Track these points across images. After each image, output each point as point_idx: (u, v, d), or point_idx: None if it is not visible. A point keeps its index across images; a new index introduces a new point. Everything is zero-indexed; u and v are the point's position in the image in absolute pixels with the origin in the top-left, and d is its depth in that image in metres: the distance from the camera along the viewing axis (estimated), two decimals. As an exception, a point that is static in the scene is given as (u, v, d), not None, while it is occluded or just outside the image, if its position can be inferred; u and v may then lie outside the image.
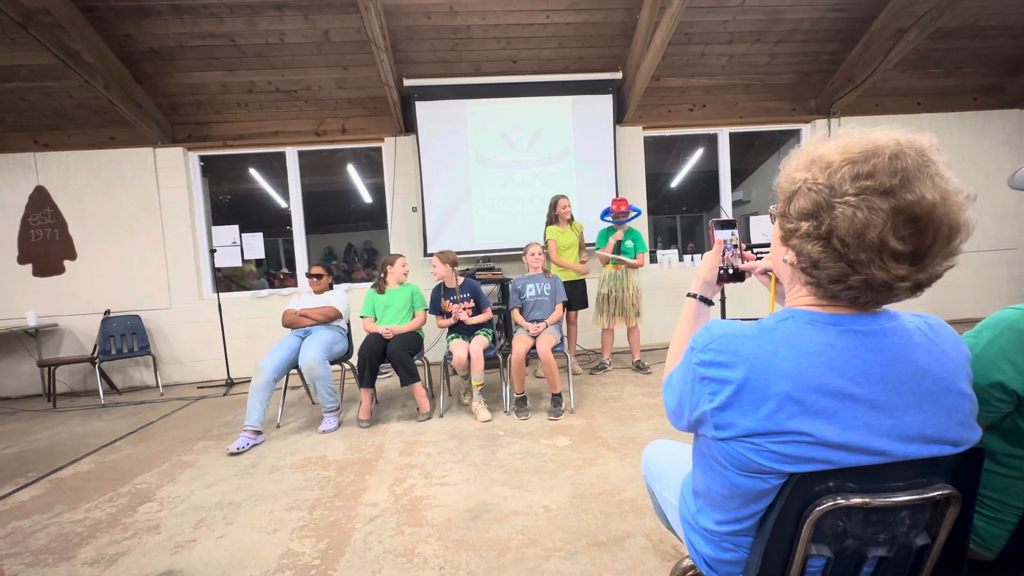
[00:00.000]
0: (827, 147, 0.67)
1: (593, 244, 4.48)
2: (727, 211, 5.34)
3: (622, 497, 2.09)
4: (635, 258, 4.04)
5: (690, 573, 1.04)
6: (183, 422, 3.64)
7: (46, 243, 4.77)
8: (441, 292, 3.55)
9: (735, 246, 1.01)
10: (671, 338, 4.19)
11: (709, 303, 1.01)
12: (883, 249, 0.61)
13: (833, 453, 0.65)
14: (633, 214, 4.06)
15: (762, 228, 4.92)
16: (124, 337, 4.68)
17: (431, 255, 4.89)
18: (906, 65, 5.04)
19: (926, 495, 0.67)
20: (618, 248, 4.08)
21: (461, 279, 3.58)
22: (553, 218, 4.13)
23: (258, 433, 3.03)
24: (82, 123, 4.70)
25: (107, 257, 4.82)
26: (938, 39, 4.82)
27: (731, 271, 1.00)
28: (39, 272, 4.79)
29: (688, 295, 1.03)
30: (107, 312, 4.74)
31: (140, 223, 4.83)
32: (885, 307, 0.72)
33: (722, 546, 0.81)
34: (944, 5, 4.18)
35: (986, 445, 0.85)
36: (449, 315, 3.45)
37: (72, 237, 4.78)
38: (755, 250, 3.97)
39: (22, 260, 4.77)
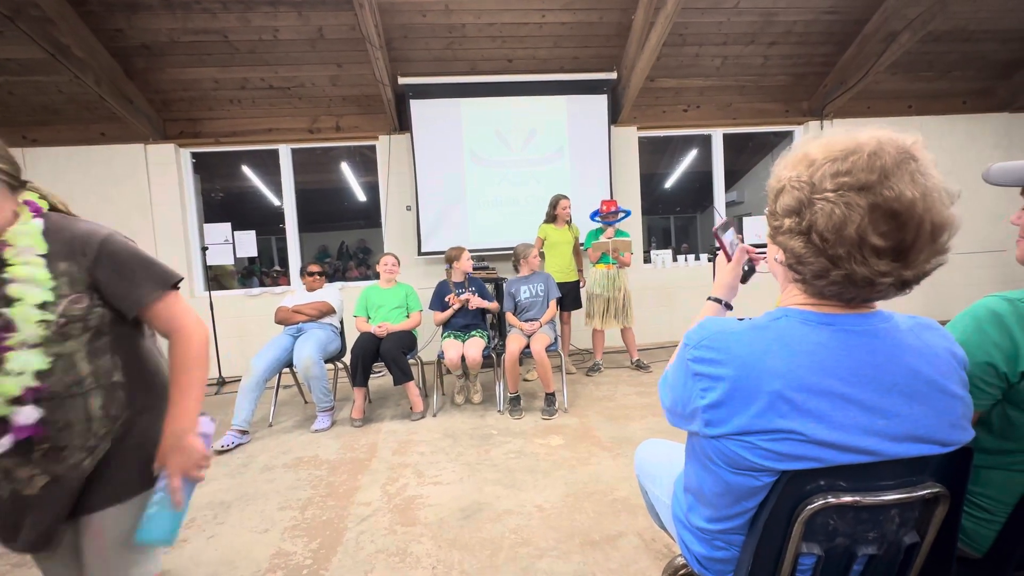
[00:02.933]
0: (813, 146, 0.69)
1: (582, 245, 4.47)
2: (720, 212, 5.36)
3: (615, 496, 2.09)
4: (623, 255, 4.04)
5: (682, 571, 1.05)
6: (174, 421, 3.60)
7: (34, 240, 4.70)
8: (450, 286, 3.57)
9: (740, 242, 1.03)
10: (665, 337, 4.18)
11: (730, 308, 1.01)
12: (863, 244, 0.62)
13: (824, 451, 0.65)
14: (622, 215, 4.07)
15: (756, 229, 4.95)
16: (114, 335, 4.62)
17: (425, 254, 4.90)
18: (898, 68, 5.08)
19: (916, 494, 0.68)
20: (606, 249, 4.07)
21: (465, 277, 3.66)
22: (552, 217, 4.13)
23: (244, 433, 3.01)
24: (72, 119, 4.64)
25: None
26: (929, 43, 4.86)
27: (746, 267, 1.01)
28: (27, 269, 4.72)
29: (709, 299, 1.01)
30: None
31: (131, 220, 4.77)
32: (879, 308, 0.72)
33: (714, 544, 0.81)
34: (935, 9, 4.22)
35: (977, 442, 0.86)
36: (447, 307, 3.50)
37: (61, 234, 4.72)
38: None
39: (10, 257, 4.69)
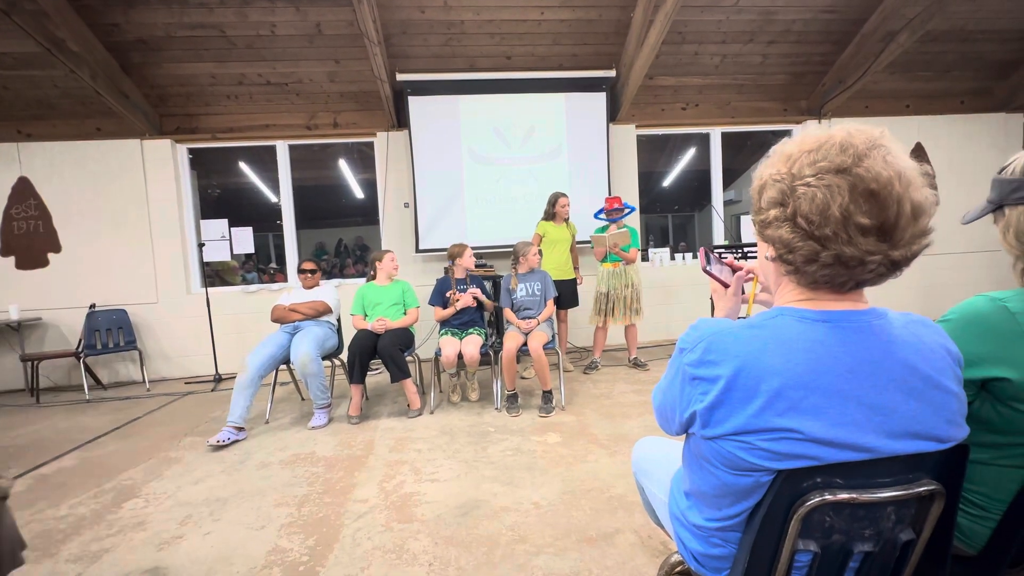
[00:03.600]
0: (788, 145, 0.72)
1: (588, 243, 4.48)
2: (718, 210, 5.37)
3: (612, 494, 2.10)
4: (627, 251, 4.04)
5: (678, 568, 1.05)
6: (170, 418, 3.60)
7: (29, 235, 4.68)
8: (451, 283, 3.58)
9: (722, 257, 1.03)
10: (663, 336, 4.19)
11: None
12: (848, 223, 0.64)
13: (822, 449, 0.65)
14: (627, 211, 4.07)
15: (752, 227, 4.96)
16: (110, 331, 4.60)
17: (423, 252, 4.89)
18: (896, 68, 5.09)
19: (911, 491, 0.68)
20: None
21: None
22: (551, 215, 4.13)
23: (240, 429, 3.00)
24: (67, 113, 4.61)
25: (93, 250, 4.74)
26: (927, 42, 4.87)
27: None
28: (22, 265, 4.70)
29: None
30: (92, 306, 4.66)
31: (127, 216, 4.75)
32: (873, 305, 0.72)
33: (711, 542, 0.81)
34: (934, 9, 4.22)
35: (973, 438, 0.86)
36: (448, 302, 3.51)
37: (56, 229, 4.70)
38: (745, 249, 3.99)
39: (4, 252, 4.67)
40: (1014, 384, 0.80)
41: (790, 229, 0.68)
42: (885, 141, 0.66)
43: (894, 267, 0.67)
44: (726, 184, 5.68)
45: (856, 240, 0.64)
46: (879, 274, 0.67)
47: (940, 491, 0.69)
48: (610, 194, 4.97)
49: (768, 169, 0.73)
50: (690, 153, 8.03)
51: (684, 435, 0.82)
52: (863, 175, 0.63)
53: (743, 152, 7.23)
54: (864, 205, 0.63)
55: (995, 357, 0.80)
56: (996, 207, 0.92)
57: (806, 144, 0.69)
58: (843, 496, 0.66)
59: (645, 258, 5.55)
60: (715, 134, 5.49)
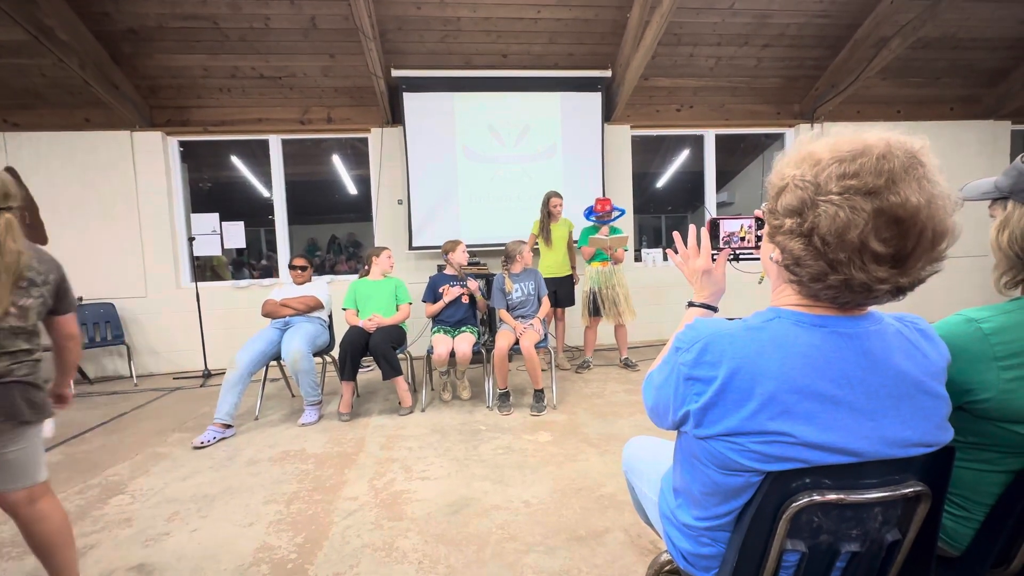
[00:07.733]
0: (819, 144, 0.67)
1: (576, 242, 4.48)
2: (711, 212, 5.40)
3: (602, 493, 2.11)
4: (616, 251, 4.04)
5: (667, 567, 1.06)
6: (158, 413, 3.56)
7: (15, 227, 4.60)
8: (441, 279, 3.59)
9: (741, 239, 1.00)
10: (654, 336, 4.20)
11: (715, 310, 0.99)
12: (863, 250, 0.61)
13: (812, 453, 0.66)
14: (616, 214, 4.07)
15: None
16: (97, 326, 4.54)
17: (416, 249, 4.88)
18: (888, 73, 5.14)
19: (898, 492, 0.68)
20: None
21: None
22: (546, 215, 4.12)
23: (227, 427, 2.96)
24: (55, 103, 4.53)
25: (80, 243, 4.66)
26: (919, 49, 4.93)
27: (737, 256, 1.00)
28: (7, 256, 4.61)
29: (692, 304, 0.99)
30: (79, 299, 4.59)
31: (116, 209, 4.68)
32: (870, 310, 0.72)
33: (700, 541, 0.82)
34: (926, 16, 4.27)
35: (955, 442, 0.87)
36: (440, 298, 3.52)
37: (43, 222, 4.62)
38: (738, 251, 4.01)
39: (-11, 244, 4.59)
40: (987, 406, 0.81)
41: (803, 245, 0.66)
42: (924, 157, 0.63)
43: (899, 292, 0.65)
44: (719, 186, 5.71)
45: (869, 267, 0.62)
46: (883, 299, 0.67)
47: (926, 492, 0.70)
48: (604, 194, 4.99)
49: (791, 168, 0.68)
50: (684, 154, 8.05)
51: (675, 431, 0.82)
52: (892, 200, 0.60)
53: (736, 154, 7.27)
54: (885, 232, 0.61)
55: (969, 382, 0.81)
56: (1002, 196, 0.85)
57: (839, 151, 0.63)
58: (831, 497, 0.67)
59: (638, 258, 5.57)
60: (709, 136, 5.51)
